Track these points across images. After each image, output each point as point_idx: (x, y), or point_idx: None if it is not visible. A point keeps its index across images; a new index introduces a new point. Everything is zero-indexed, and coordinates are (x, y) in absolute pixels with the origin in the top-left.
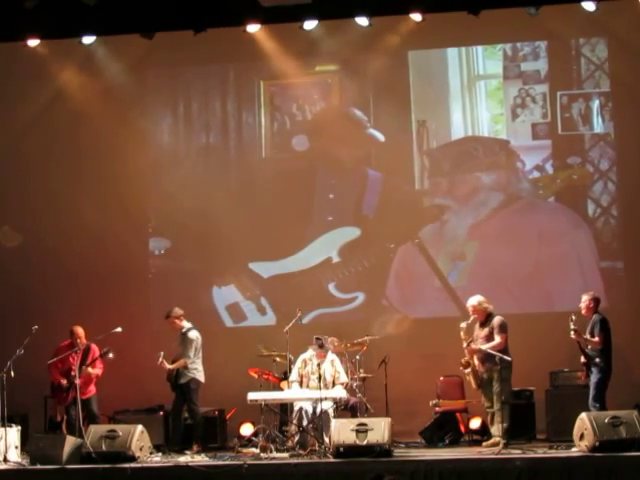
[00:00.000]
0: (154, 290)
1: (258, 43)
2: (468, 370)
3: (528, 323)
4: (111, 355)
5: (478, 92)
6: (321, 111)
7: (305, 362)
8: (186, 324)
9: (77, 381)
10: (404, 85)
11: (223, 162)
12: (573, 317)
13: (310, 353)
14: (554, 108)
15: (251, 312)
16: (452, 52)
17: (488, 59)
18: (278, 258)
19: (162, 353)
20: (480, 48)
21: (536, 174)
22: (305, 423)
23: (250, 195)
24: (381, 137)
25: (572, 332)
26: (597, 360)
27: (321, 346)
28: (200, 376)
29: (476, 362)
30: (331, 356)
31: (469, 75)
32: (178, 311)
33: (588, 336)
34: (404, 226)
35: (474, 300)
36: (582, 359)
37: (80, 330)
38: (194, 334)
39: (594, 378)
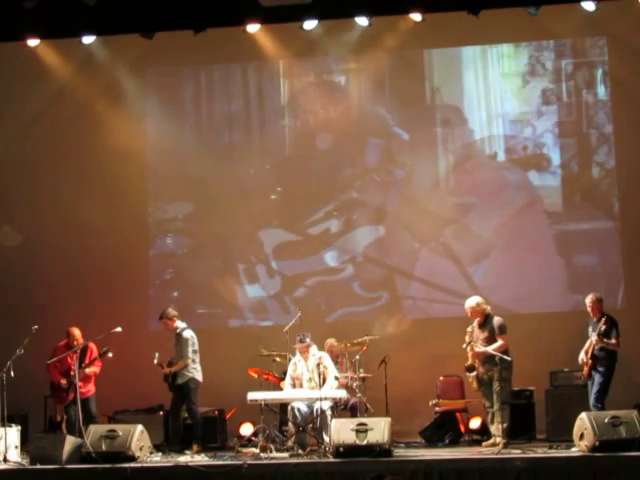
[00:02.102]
0: (175, 289)
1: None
2: (473, 373)
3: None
4: (110, 355)
5: (502, 90)
6: (344, 109)
7: (296, 365)
8: (180, 324)
9: (77, 381)
10: (428, 84)
11: (246, 160)
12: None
13: (298, 355)
14: (579, 106)
15: (275, 311)
16: (474, 50)
17: (512, 57)
18: (302, 257)
19: (157, 354)
20: (505, 46)
21: (562, 172)
22: (299, 422)
23: (274, 193)
24: (405, 135)
25: (595, 335)
26: (605, 362)
27: (301, 341)
28: (199, 375)
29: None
30: (318, 353)
31: (493, 73)
32: (172, 312)
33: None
34: (428, 225)
35: (472, 302)
36: (581, 358)
37: (77, 332)
38: (189, 333)
39: (600, 379)
